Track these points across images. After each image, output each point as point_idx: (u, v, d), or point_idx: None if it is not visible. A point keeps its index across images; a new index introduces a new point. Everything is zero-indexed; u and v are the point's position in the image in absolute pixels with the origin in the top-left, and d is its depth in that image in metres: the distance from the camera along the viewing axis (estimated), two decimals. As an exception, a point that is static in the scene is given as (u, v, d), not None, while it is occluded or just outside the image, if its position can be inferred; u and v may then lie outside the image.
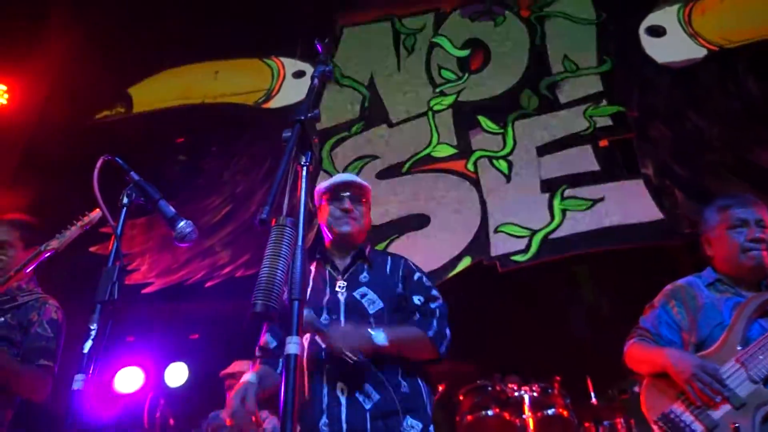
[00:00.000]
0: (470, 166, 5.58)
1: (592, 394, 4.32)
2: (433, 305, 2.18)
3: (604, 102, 5.59)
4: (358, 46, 6.73)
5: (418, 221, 5.36)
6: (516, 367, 4.67)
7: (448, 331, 2.14)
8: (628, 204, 4.96)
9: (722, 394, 1.93)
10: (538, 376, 4.27)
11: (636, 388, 3.74)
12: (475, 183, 5.47)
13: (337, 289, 2.18)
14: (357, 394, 1.97)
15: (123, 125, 6.63)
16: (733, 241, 2.18)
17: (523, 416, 4.02)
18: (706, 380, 1.94)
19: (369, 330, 1.98)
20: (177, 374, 5.40)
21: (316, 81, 1.71)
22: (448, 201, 5.43)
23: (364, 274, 2.23)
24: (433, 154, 5.74)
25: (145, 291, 5.53)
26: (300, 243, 1.38)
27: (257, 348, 2.28)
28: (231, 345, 5.19)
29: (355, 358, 1.89)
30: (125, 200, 1.75)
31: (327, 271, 2.26)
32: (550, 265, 4.99)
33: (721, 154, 4.96)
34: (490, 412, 4.09)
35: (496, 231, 5.13)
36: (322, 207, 2.36)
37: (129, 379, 5.30)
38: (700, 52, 5.59)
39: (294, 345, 1.26)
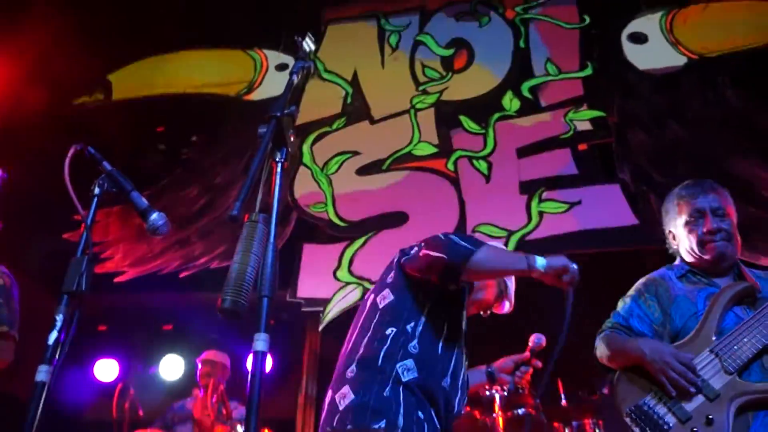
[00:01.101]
0: (450, 166, 5.60)
1: (562, 396, 4.37)
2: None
3: (585, 106, 5.63)
4: (342, 41, 6.71)
5: (396, 219, 5.37)
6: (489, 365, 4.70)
7: None
8: (604, 208, 5.02)
9: (696, 384, 1.89)
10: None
11: (605, 390, 3.78)
12: (455, 182, 5.50)
13: None
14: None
15: (102, 112, 6.53)
16: (691, 235, 2.13)
17: (493, 415, 4.04)
18: (680, 369, 1.90)
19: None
20: (150, 364, 5.38)
21: (294, 77, 1.70)
22: (426, 199, 5.45)
23: None
24: (413, 152, 5.75)
25: (118, 280, 5.47)
26: (272, 239, 1.38)
27: None
28: (205, 336, 5.18)
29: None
30: (96, 190, 1.72)
31: None
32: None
33: (698, 162, 5.03)
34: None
35: (473, 231, 5.16)
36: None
37: (105, 370, 5.28)
38: (680, 60, 5.66)
39: (262, 342, 1.26)
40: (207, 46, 6.87)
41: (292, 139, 1.52)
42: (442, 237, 1.91)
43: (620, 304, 2.24)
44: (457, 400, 1.92)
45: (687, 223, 2.14)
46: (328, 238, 5.52)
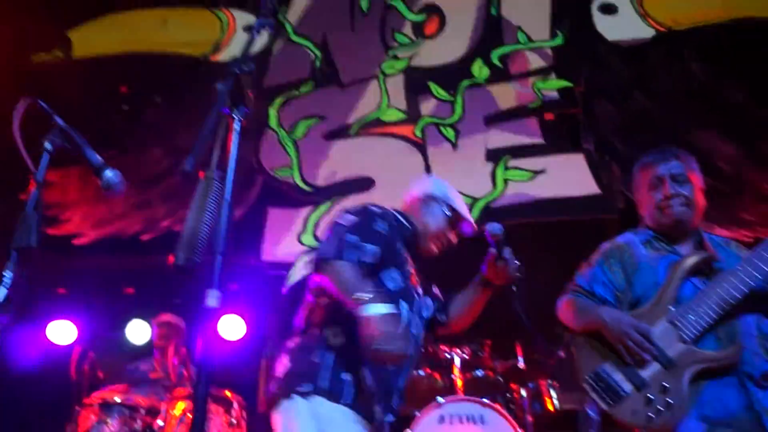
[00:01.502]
0: (417, 132, 5.59)
1: (520, 358, 4.47)
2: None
3: (553, 76, 5.65)
4: (312, 4, 6.57)
5: (362, 184, 5.37)
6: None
7: None
8: (568, 177, 5.09)
9: (652, 353, 1.93)
10: (471, 339, 4.37)
11: (561, 353, 3.88)
12: (422, 149, 5.50)
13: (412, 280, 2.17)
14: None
15: (62, 71, 6.31)
16: (651, 202, 2.18)
17: (452, 376, 4.13)
18: (638, 339, 1.94)
19: None
20: (110, 326, 5.32)
21: (255, 34, 1.66)
22: (393, 165, 5.44)
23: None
24: (381, 117, 5.72)
25: (77, 242, 5.37)
26: (227, 197, 1.36)
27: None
28: (165, 300, 5.13)
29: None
30: (48, 146, 1.67)
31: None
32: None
33: (662, 133, 5.11)
34: (421, 372, 4.19)
35: (439, 198, 5.17)
36: (438, 212, 2.34)
37: (61, 332, 5.20)
38: (649, 33, 5.68)
39: (214, 298, 1.26)
40: (172, 4, 6.65)
41: (250, 95, 1.49)
42: (344, 225, 1.97)
43: (585, 268, 2.27)
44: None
45: (648, 190, 2.18)
46: (293, 202, 5.50)
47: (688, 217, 2.12)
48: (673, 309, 1.98)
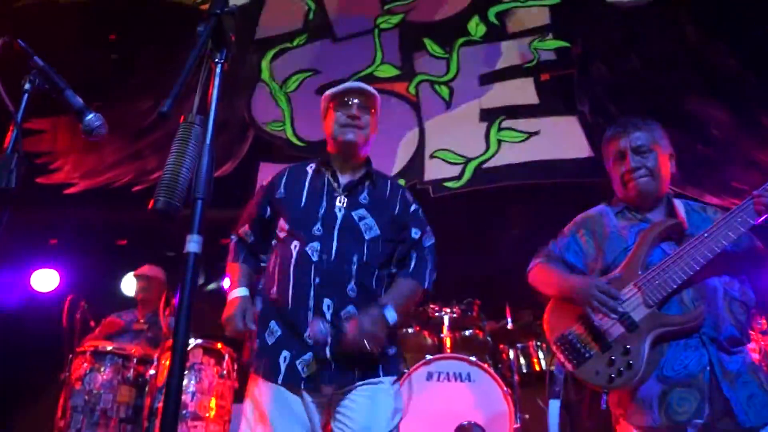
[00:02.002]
0: (412, 89, 5.52)
1: (509, 319, 4.52)
2: (427, 243, 2.23)
3: (550, 36, 5.55)
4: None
5: (354, 141, 5.31)
6: (440, 289, 4.82)
7: (435, 273, 2.22)
8: (562, 139, 5.06)
9: (617, 310, 1.98)
10: (461, 299, 4.42)
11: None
12: (415, 106, 5.44)
13: (337, 203, 2.15)
14: (341, 313, 2.01)
15: (47, 15, 6.15)
16: (616, 175, 2.23)
17: (441, 335, 4.19)
18: (603, 298, 1.99)
19: (384, 313, 2.00)
20: (102, 277, 5.34)
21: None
22: (386, 123, 5.34)
23: (365, 195, 2.21)
24: (375, 73, 5.63)
25: (68, 191, 5.34)
26: (208, 141, 1.34)
27: (234, 234, 2.31)
28: (157, 252, 5.14)
29: (378, 350, 1.98)
30: (27, 86, 1.63)
31: (326, 180, 2.22)
32: (482, 193, 5.09)
33: (654, 97, 5.06)
34: (410, 330, 4.24)
35: (431, 156, 5.16)
36: (328, 114, 2.30)
37: (46, 280, 5.23)
38: (647, -6, 5.58)
39: (194, 243, 1.25)
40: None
41: (233, 39, 1.45)
42: None
43: (558, 237, 2.33)
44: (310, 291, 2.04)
45: (614, 163, 2.24)
46: (285, 157, 5.45)
47: (651, 188, 2.15)
48: (641, 273, 2.01)
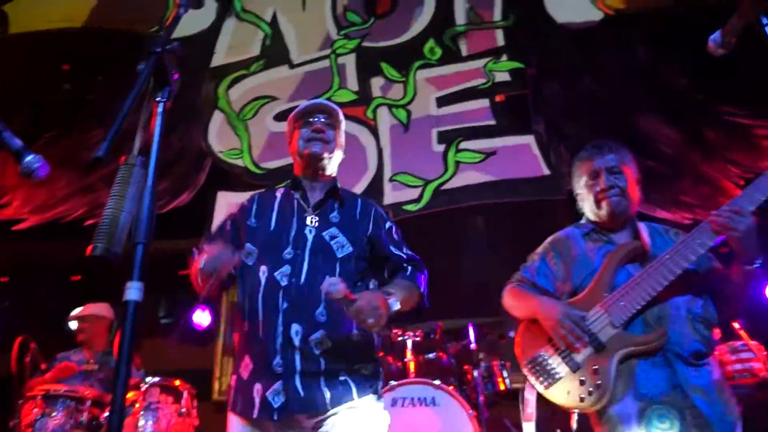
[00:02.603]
0: (369, 114, 5.54)
1: (473, 339, 4.52)
2: (417, 259, 2.17)
3: (505, 57, 5.66)
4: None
5: (314, 166, 5.28)
6: (402, 312, 4.80)
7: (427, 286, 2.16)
8: (519, 159, 5.14)
9: (583, 339, 2.02)
10: (423, 322, 4.40)
11: (511, 334, 3.93)
12: (373, 130, 5.46)
13: (307, 223, 2.09)
14: (310, 339, 1.92)
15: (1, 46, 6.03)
16: (589, 194, 2.26)
17: (405, 360, 4.15)
18: (569, 326, 2.03)
19: (388, 298, 1.88)
20: (54, 315, 5.14)
21: (182, 10, 1.59)
22: (345, 147, 5.37)
23: (335, 213, 2.15)
24: (333, 98, 5.62)
25: (16, 228, 5.16)
26: (150, 183, 1.30)
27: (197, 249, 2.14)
28: (114, 287, 4.98)
29: (384, 332, 1.88)
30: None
31: (296, 201, 2.16)
32: (442, 214, 5.11)
33: (607, 116, 5.19)
34: (374, 357, 4.20)
35: (390, 179, 5.17)
36: (293, 134, 2.26)
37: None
38: (597, 15, 5.74)
39: (135, 291, 1.20)
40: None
41: (176, 77, 1.42)
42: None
43: (529, 260, 2.36)
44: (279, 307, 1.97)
45: (586, 183, 2.27)
46: (244, 185, 5.39)
47: (623, 208, 2.20)
48: (607, 295, 2.06)
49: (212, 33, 6.13)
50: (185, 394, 3.76)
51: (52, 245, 5.34)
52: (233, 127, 5.64)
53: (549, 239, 2.36)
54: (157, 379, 3.68)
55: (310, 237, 2.06)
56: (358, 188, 5.14)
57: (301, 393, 1.88)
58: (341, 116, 2.31)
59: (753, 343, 4.00)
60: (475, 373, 4.13)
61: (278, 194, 2.23)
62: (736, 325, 4.10)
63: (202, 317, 5.30)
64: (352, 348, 1.98)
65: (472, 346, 4.45)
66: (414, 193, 5.08)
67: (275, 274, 1.99)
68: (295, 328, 1.92)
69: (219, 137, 5.61)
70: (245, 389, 1.94)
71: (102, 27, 6.23)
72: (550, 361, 2.08)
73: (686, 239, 2.03)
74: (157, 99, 1.40)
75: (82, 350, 4.38)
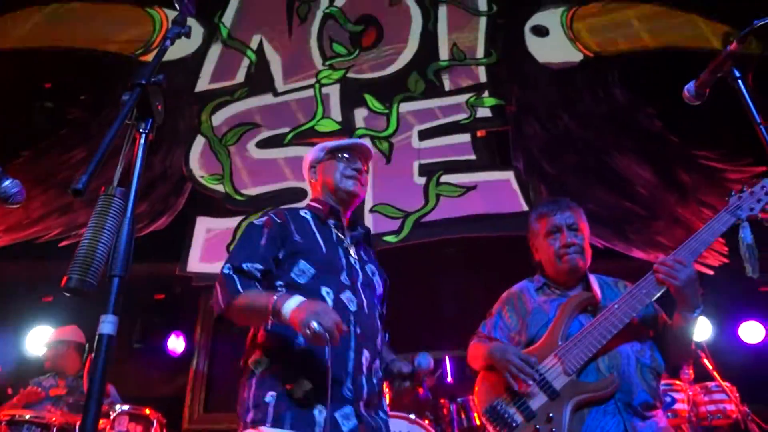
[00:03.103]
0: (352, 144, 5.57)
1: (450, 373, 4.51)
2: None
3: (486, 93, 5.77)
4: (249, 7, 6.48)
5: (294, 194, 5.29)
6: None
7: None
8: (498, 194, 5.20)
9: (534, 377, 2.06)
10: (401, 354, 4.37)
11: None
12: (356, 161, 5.48)
13: (352, 255, 2.05)
14: (374, 366, 1.90)
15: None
16: (550, 248, 2.29)
17: (381, 392, 4.11)
18: (519, 364, 2.07)
19: None
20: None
21: (168, 43, 1.60)
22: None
23: (362, 251, 2.13)
24: (316, 127, 5.68)
25: (-11, 247, 5.07)
26: (129, 215, 1.29)
27: (230, 265, 1.93)
28: (82, 310, 4.90)
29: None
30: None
31: (332, 230, 2.09)
32: (422, 246, 5.13)
33: (585, 155, 5.30)
34: (348, 389, 4.15)
35: (371, 210, 5.19)
36: (327, 163, 2.19)
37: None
38: (577, 56, 5.91)
39: (109, 324, 1.19)
40: (103, 1, 6.42)
41: (159, 108, 1.43)
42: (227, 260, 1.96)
43: (487, 318, 2.43)
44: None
45: (546, 237, 2.32)
46: (223, 211, 5.37)
47: (581, 264, 2.27)
48: (561, 344, 2.11)
49: (198, 58, 6.16)
50: (155, 423, 3.69)
51: (27, 265, 5.24)
52: (215, 153, 5.63)
53: (504, 294, 2.43)
54: (126, 407, 3.60)
55: (358, 268, 2.03)
56: (339, 218, 5.14)
57: (369, 421, 1.85)
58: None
59: (726, 384, 4.04)
60: (452, 407, 4.12)
61: (306, 216, 2.10)
62: (709, 366, 4.15)
63: (176, 343, 5.22)
64: (382, 384, 1.98)
65: (449, 379, 4.45)
66: (394, 225, 5.10)
67: (341, 296, 1.92)
68: (365, 353, 1.88)
69: (201, 162, 5.60)
70: (299, 408, 1.80)
71: (88, 47, 6.21)
72: (507, 410, 2.10)
73: (633, 290, 2.11)
74: (140, 130, 1.40)
75: (54, 375, 4.30)
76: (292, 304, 1.71)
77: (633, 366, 2.06)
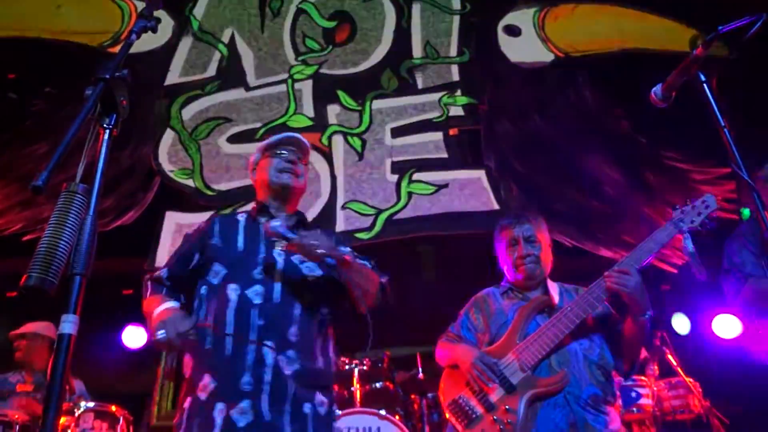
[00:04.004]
0: (324, 140, 5.55)
1: (420, 369, 4.52)
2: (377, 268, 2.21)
3: (459, 92, 5.80)
4: (221, 1, 6.39)
5: (265, 190, 5.25)
6: (350, 341, 4.77)
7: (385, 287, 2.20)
8: (470, 193, 5.23)
9: (494, 381, 2.25)
10: (370, 350, 4.37)
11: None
12: (328, 157, 5.47)
13: (276, 248, 2.08)
14: (281, 357, 1.90)
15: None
16: (508, 258, 2.54)
17: (352, 389, 4.12)
18: (481, 368, 2.28)
19: (340, 247, 1.98)
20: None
21: (134, 37, 1.57)
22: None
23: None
24: (288, 123, 5.63)
25: (-52, 241, 4.92)
26: (91, 212, 1.27)
27: (149, 276, 2.16)
28: (50, 305, 4.79)
29: (328, 255, 1.91)
30: None
31: (261, 226, 2.14)
32: (393, 243, 5.14)
33: (555, 155, 5.36)
34: (320, 384, 4.14)
35: (343, 207, 5.18)
36: (263, 162, 2.27)
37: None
38: (548, 57, 5.97)
39: (69, 324, 1.16)
40: (69, -12, 6.28)
41: (124, 104, 1.40)
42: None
43: (457, 318, 2.63)
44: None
45: (506, 248, 2.55)
46: (193, 206, 5.29)
47: (537, 272, 2.49)
48: (519, 343, 2.31)
49: (168, 51, 6.05)
50: (121, 420, 3.64)
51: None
52: (185, 147, 5.55)
53: (472, 298, 2.64)
54: (91, 404, 3.54)
55: (280, 260, 2.06)
56: (311, 214, 5.12)
57: (267, 417, 1.83)
58: (310, 154, 2.36)
59: (689, 380, 4.15)
60: (422, 403, 4.14)
61: (240, 218, 2.22)
62: (673, 362, 4.25)
63: (142, 339, 5.13)
64: (317, 374, 1.97)
65: (420, 375, 4.47)
66: (366, 222, 5.10)
67: (247, 292, 1.98)
68: (269, 345, 1.90)
69: (170, 156, 5.51)
70: (204, 410, 1.85)
71: (54, 38, 6.06)
72: (468, 403, 2.29)
73: (585, 293, 2.31)
74: (104, 125, 1.37)
75: (22, 370, 4.20)
76: (156, 312, 1.90)
77: (581, 362, 2.25)
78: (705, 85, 1.81)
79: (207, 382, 1.89)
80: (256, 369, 1.87)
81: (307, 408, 1.89)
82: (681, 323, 5.01)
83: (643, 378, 4.26)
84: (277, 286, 2.01)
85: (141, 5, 6.11)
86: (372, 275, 2.11)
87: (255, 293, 1.98)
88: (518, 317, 2.37)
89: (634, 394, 4.16)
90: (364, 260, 2.18)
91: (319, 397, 1.95)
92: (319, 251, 1.91)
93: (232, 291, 1.99)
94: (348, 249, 2.05)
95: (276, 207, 2.23)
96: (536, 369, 2.23)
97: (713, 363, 4.74)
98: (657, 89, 1.95)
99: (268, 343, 1.90)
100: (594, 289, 2.29)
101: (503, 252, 2.56)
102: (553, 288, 2.50)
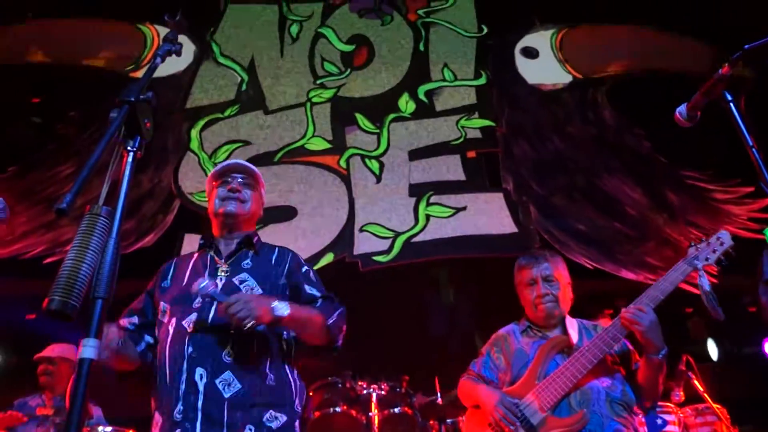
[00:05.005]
0: (342, 163, 5.58)
1: (438, 394, 4.46)
2: (333, 296, 2.20)
3: (477, 114, 5.80)
4: (241, 25, 6.50)
5: (284, 213, 5.27)
6: (369, 364, 4.72)
7: (344, 327, 2.15)
8: (488, 215, 5.21)
9: (516, 422, 2.26)
10: (390, 374, 4.34)
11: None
12: (346, 180, 5.48)
13: (219, 273, 2.11)
14: (217, 382, 1.90)
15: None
16: (527, 298, 2.54)
17: (370, 414, 4.07)
18: (503, 411, 2.29)
19: (272, 301, 1.92)
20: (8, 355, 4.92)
21: (158, 60, 1.59)
22: (316, 195, 5.39)
23: (248, 260, 2.17)
24: (306, 146, 5.67)
25: (-28, 263, 4.97)
26: (114, 235, 1.26)
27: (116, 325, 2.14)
28: (70, 328, 4.81)
29: (249, 325, 1.83)
30: None
31: (209, 257, 2.18)
32: (411, 266, 5.11)
33: (574, 176, 5.32)
34: (337, 409, 4.10)
35: (361, 230, 5.17)
36: (212, 193, 2.30)
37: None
38: (566, 78, 5.97)
39: (90, 349, 1.15)
40: (93, 15, 6.40)
41: (148, 126, 1.40)
42: None
43: (479, 356, 2.66)
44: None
45: (525, 288, 2.56)
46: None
47: (556, 312, 2.50)
48: (538, 383, 2.33)
49: (189, 75, 6.15)
50: (139, 445, 3.60)
51: (10, 283, 5.14)
52: (204, 170, 5.60)
53: (493, 336, 2.66)
54: (109, 429, 3.52)
55: (220, 284, 2.07)
56: (328, 237, 5.12)
57: None
58: (260, 179, 2.36)
59: (716, 406, 4.04)
60: (441, 429, 4.08)
61: (195, 255, 2.26)
62: (699, 387, 4.14)
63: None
64: (264, 392, 1.95)
65: (439, 400, 4.40)
66: (384, 244, 5.09)
67: (182, 322, 2.00)
68: (199, 371, 1.91)
69: (190, 179, 5.56)
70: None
71: (77, 63, 6.19)
72: None
73: (603, 332, 2.32)
74: (128, 148, 1.38)
75: (41, 394, 4.15)
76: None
77: (603, 400, 2.25)
78: (731, 104, 1.78)
79: (157, 418, 1.96)
80: (187, 398, 1.89)
81: (249, 429, 1.89)
82: (710, 349, 4.90)
83: (669, 405, 4.16)
84: (212, 311, 2.01)
85: (164, 31, 6.23)
86: (313, 321, 2.06)
87: (189, 322, 2.00)
88: (538, 356, 2.40)
89: (660, 422, 4.06)
90: (312, 291, 2.17)
91: (271, 413, 1.94)
92: (241, 318, 1.84)
93: (171, 325, 2.03)
94: (285, 307, 1.95)
95: (224, 237, 2.24)
96: (555, 409, 2.25)
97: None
98: (682, 109, 1.91)
99: (199, 369, 1.91)
100: (612, 328, 2.30)
101: (522, 291, 2.58)
102: (572, 326, 2.52)
